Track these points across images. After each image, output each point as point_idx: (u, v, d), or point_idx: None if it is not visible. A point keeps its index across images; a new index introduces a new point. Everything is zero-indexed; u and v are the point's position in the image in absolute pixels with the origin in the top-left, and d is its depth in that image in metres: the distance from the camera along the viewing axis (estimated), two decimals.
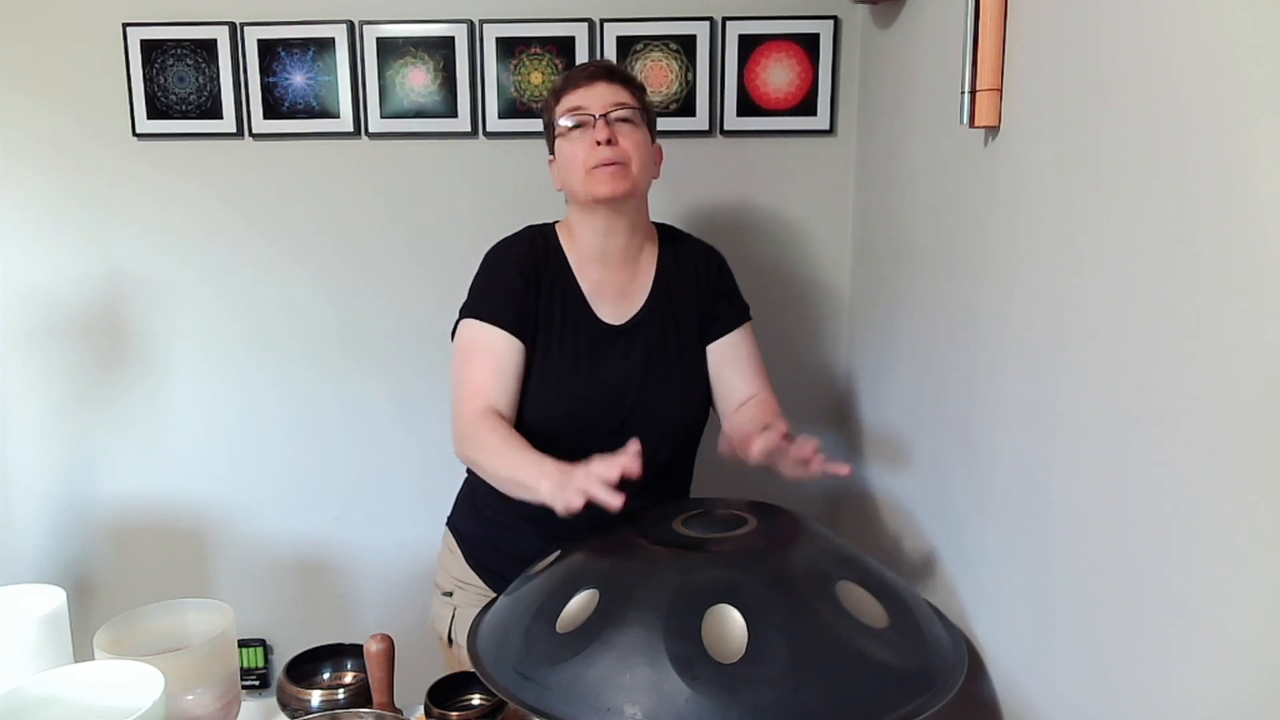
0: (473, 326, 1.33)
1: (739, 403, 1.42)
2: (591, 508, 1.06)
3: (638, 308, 1.39)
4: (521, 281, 1.34)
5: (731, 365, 1.42)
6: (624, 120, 1.32)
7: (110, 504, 2.00)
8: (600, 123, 1.30)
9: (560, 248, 1.39)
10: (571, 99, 1.33)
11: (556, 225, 1.42)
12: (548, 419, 1.33)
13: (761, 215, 1.91)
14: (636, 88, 1.37)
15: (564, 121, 1.33)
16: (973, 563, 1.16)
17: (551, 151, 1.39)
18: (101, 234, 1.91)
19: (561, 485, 1.09)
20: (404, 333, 1.95)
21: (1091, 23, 0.85)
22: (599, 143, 1.29)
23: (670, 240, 1.46)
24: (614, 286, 1.39)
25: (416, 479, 1.98)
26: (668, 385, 1.38)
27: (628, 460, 1.06)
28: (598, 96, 1.32)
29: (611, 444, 1.32)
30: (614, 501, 1.03)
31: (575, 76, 1.35)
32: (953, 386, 1.22)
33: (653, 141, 1.39)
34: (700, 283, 1.42)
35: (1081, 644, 0.86)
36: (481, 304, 1.34)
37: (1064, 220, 0.90)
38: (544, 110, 1.40)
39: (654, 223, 1.46)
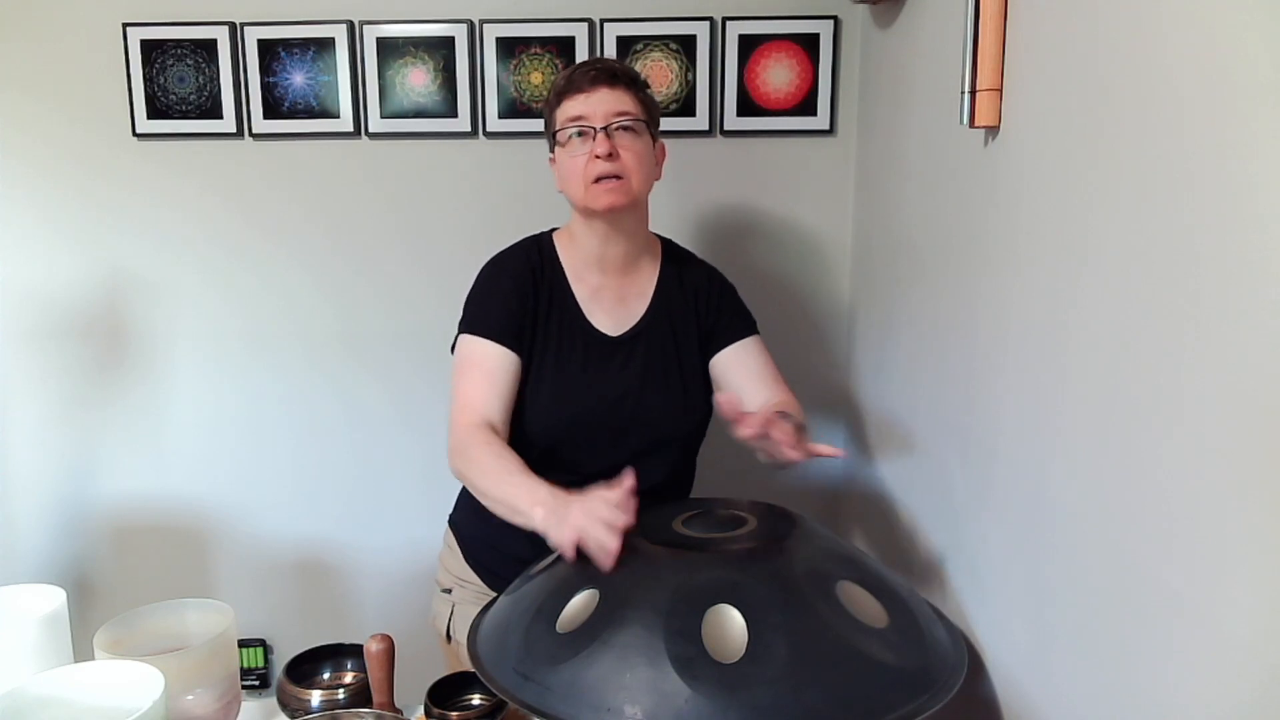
0: (468, 341, 1.33)
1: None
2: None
3: (636, 319, 1.39)
4: (517, 295, 1.33)
5: (740, 372, 1.39)
6: (625, 129, 1.29)
7: (110, 504, 2.00)
8: (601, 136, 1.27)
9: (557, 257, 1.38)
10: (572, 106, 1.30)
11: (554, 233, 1.42)
12: (547, 429, 1.33)
13: (761, 215, 1.91)
14: (639, 89, 1.34)
15: (564, 131, 1.30)
16: (973, 562, 1.16)
17: (552, 150, 1.37)
18: (101, 234, 1.91)
19: (557, 516, 1.06)
20: (404, 333, 1.95)
21: (1091, 23, 0.85)
22: (599, 156, 1.27)
23: (674, 258, 1.45)
24: (612, 293, 1.38)
25: (416, 479, 1.98)
26: (667, 395, 1.37)
27: (621, 500, 1.04)
28: (599, 104, 1.29)
29: (612, 453, 1.32)
30: (609, 548, 1.00)
31: (577, 79, 1.30)
32: (953, 386, 1.22)
33: (655, 141, 1.37)
34: (702, 303, 1.41)
35: (1081, 644, 0.86)
36: (476, 318, 1.34)
37: (1064, 220, 0.90)
38: (545, 108, 1.37)
39: (657, 236, 1.45)
